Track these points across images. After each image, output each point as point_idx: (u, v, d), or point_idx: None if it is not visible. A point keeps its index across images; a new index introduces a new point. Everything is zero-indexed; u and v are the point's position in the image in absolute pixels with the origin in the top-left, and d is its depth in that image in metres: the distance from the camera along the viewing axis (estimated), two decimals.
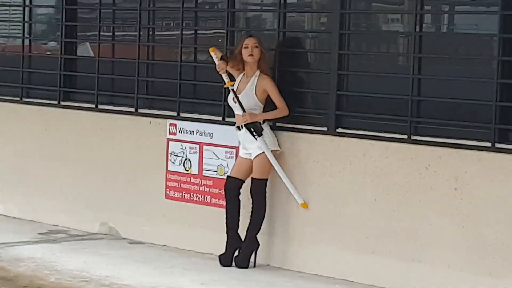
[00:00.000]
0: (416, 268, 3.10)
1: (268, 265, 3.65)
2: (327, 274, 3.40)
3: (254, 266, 3.55)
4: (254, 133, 3.45)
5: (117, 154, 4.44)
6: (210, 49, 3.63)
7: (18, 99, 4.97)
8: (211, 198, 3.88)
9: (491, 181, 2.88)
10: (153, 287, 3.19)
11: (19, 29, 5.22)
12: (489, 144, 2.89)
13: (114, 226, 4.34)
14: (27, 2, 5.07)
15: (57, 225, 4.72)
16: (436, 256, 3.04)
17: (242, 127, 3.49)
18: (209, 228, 3.84)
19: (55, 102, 4.74)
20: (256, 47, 3.46)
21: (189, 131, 4.01)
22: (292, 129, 3.60)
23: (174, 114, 4.14)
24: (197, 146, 3.93)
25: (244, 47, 3.48)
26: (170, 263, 3.71)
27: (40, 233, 4.42)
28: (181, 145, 4.04)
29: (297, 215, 3.54)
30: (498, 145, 2.87)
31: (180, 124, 4.08)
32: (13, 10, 5.41)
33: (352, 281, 3.30)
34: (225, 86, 3.58)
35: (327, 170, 3.44)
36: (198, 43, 4.15)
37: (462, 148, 2.97)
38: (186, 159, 3.98)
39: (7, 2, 5.32)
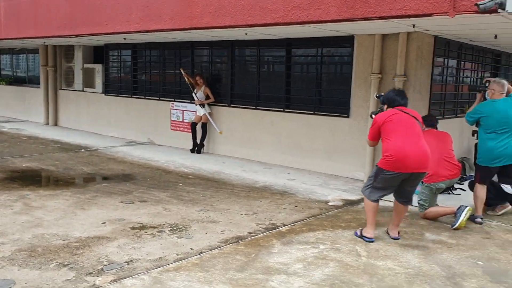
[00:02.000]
0: (256, 151, 9.35)
1: (208, 152, 9.94)
2: (228, 155, 9.65)
3: (203, 152, 9.86)
4: (201, 106, 9.64)
5: (153, 113, 10.77)
6: (181, 68, 9.75)
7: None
8: (186, 129, 10.16)
9: (289, 122, 9.04)
10: (167, 160, 9.19)
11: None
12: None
13: (153, 139, 10.80)
14: None
15: (132, 140, 11.12)
16: (265, 147, 9.25)
17: (197, 104, 9.68)
18: (187, 140, 10.12)
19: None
20: (201, 78, 9.55)
21: (178, 105, 10.26)
22: (216, 104, 9.77)
23: (173, 99, 10.39)
24: (181, 111, 10.19)
25: (196, 76, 9.60)
26: (173, 152, 9.88)
27: (125, 143, 10.78)
28: (176, 111, 10.32)
29: (218, 135, 9.79)
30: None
31: (175, 103, 10.33)
32: None
33: (236, 157, 9.45)
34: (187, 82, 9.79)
35: (228, 120, 9.65)
36: (183, 68, 10.23)
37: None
38: (177, 115, 10.27)
39: None
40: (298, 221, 5.38)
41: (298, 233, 4.97)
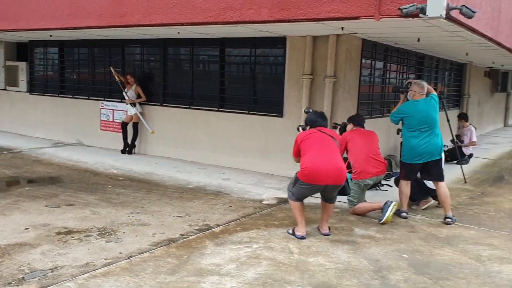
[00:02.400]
0: (190, 151, 9.22)
1: (139, 153, 9.69)
2: (161, 155, 9.45)
3: (134, 153, 9.59)
4: (132, 105, 9.38)
5: (82, 112, 10.34)
6: (111, 67, 9.44)
7: None
8: (116, 129, 9.85)
9: (224, 121, 8.96)
10: (96, 161, 8.84)
11: None
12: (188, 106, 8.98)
13: (81, 140, 10.38)
14: None
15: (59, 141, 10.61)
16: (200, 147, 9.14)
17: (128, 104, 9.41)
18: (118, 140, 9.80)
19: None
20: (132, 76, 9.30)
21: (108, 104, 9.94)
22: (148, 104, 9.55)
23: (103, 98, 10.04)
24: (112, 110, 9.87)
25: (127, 75, 9.33)
26: (102, 153, 9.53)
27: (52, 144, 10.27)
28: (106, 110, 9.98)
29: (150, 135, 9.58)
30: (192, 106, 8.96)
31: (105, 102, 9.99)
32: None
33: (170, 157, 9.29)
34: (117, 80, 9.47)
35: (160, 119, 9.45)
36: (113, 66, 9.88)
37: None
38: (107, 115, 9.93)
39: None
40: (232, 221, 5.36)
41: (232, 233, 4.95)
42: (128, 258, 4.18)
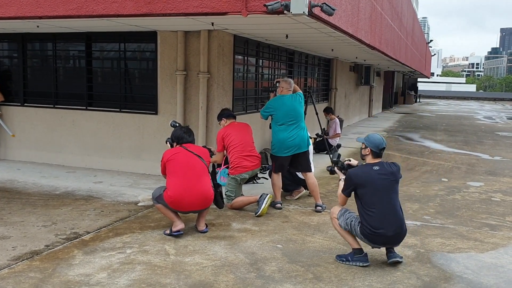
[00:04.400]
0: (57, 154, 8.55)
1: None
2: (24, 160, 8.63)
3: None
4: None
5: None
6: None
7: None
8: None
9: (93, 121, 8.36)
10: None
11: None
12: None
13: None
14: None
15: None
16: (67, 149, 8.49)
17: None
18: None
19: None
20: None
21: None
22: (6, 104, 8.65)
23: None
24: None
25: None
26: None
27: None
28: None
29: (10, 139, 8.70)
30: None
31: None
32: None
33: (34, 162, 8.52)
34: None
35: (22, 121, 8.59)
36: None
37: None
38: None
39: None
40: (103, 227, 5.07)
41: (103, 240, 4.67)
42: None
